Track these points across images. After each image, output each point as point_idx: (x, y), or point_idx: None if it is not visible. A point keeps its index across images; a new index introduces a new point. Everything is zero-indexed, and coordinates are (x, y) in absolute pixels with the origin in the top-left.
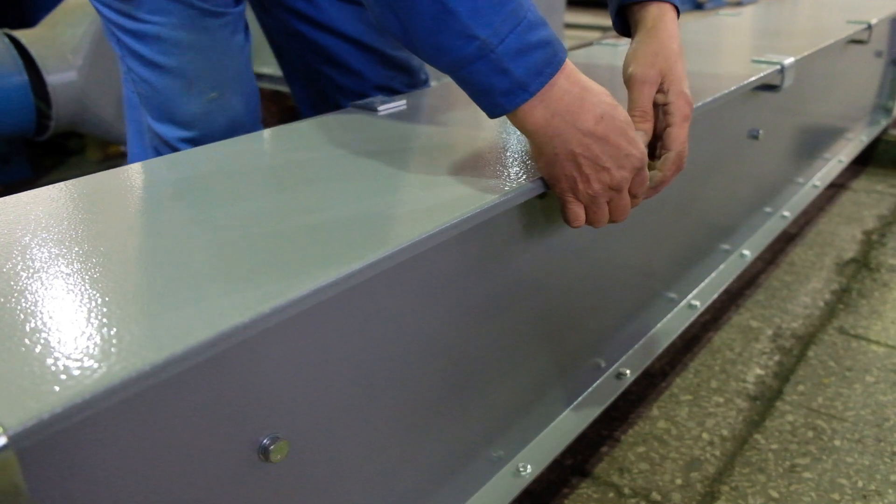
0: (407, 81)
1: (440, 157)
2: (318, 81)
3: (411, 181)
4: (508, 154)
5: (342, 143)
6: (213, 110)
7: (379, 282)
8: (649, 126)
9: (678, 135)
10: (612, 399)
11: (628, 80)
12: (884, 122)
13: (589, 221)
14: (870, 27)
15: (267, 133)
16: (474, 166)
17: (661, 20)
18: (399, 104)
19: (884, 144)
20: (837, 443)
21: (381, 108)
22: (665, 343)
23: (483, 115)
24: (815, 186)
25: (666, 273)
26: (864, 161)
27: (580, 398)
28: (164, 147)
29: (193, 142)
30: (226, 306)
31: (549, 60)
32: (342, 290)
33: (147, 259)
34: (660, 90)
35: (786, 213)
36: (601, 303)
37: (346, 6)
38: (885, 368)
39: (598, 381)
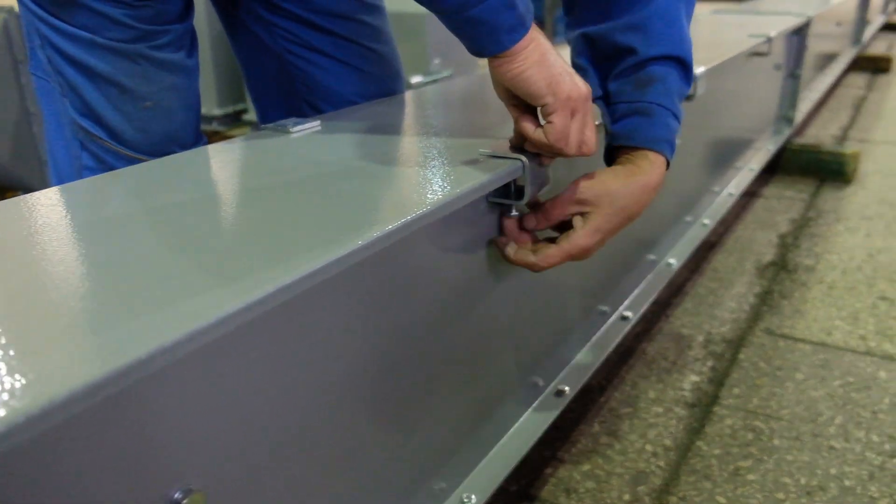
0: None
1: (353, 178)
2: (290, 102)
3: (322, 203)
4: (425, 173)
5: (249, 167)
6: (147, 118)
7: (293, 309)
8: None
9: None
10: (553, 418)
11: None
12: (787, 132)
13: (567, 135)
14: (769, 40)
15: (171, 159)
16: (389, 185)
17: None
18: (313, 125)
19: (788, 153)
20: (777, 442)
21: (294, 129)
22: (602, 357)
23: (398, 134)
24: (731, 194)
25: (597, 287)
26: (772, 169)
27: (520, 420)
28: (92, 142)
29: (124, 143)
30: (117, 340)
31: (528, 2)
32: (247, 319)
33: (34, 294)
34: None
35: (706, 221)
36: (535, 320)
37: (325, 35)
38: (813, 364)
39: (537, 401)
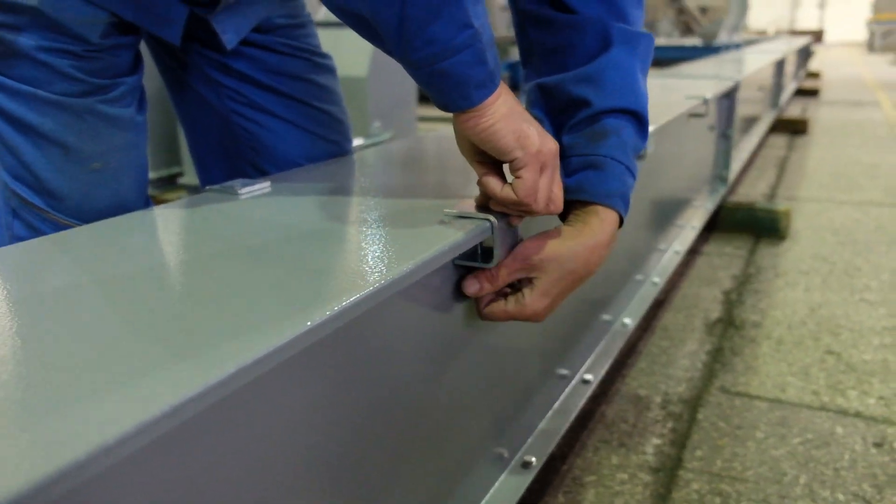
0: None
1: (312, 243)
2: (235, 164)
3: (265, 277)
4: (389, 236)
5: (197, 231)
6: (93, 182)
7: (254, 389)
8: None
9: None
10: (521, 492)
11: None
12: (722, 190)
13: (536, 190)
14: (706, 101)
15: (112, 222)
16: (352, 251)
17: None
18: (263, 186)
19: (725, 211)
20: None
21: (242, 191)
22: (566, 423)
23: (355, 195)
24: (676, 252)
25: (555, 349)
26: (709, 227)
27: (488, 496)
28: (25, 209)
29: (64, 210)
30: (51, 439)
31: (497, 58)
32: (206, 405)
33: None
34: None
35: (656, 280)
36: (498, 387)
37: (274, 96)
38: (771, 422)
39: (503, 475)
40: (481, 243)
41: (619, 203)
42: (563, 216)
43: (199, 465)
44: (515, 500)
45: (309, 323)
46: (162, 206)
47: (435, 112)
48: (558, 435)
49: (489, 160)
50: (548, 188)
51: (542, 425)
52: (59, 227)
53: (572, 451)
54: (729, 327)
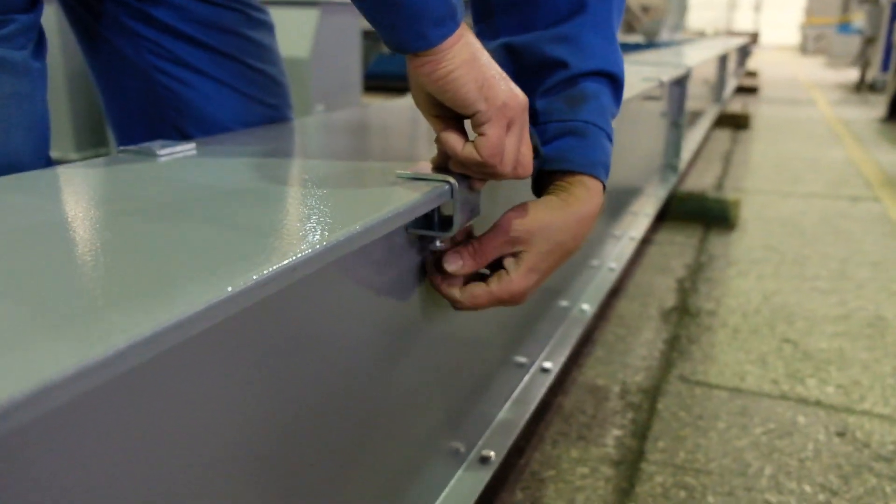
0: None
1: (240, 203)
2: (157, 128)
3: (182, 237)
4: (334, 197)
5: (105, 191)
6: None
7: (167, 362)
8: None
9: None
10: (480, 489)
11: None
12: (673, 179)
13: (502, 150)
14: (662, 84)
15: (6, 180)
16: (289, 212)
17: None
18: (187, 148)
19: (675, 200)
20: (711, 499)
21: (161, 152)
22: (525, 414)
23: (295, 158)
24: (632, 238)
25: (512, 336)
26: (660, 216)
27: (443, 495)
28: None
29: None
30: None
31: None
32: (105, 378)
33: None
34: None
35: (612, 266)
36: (452, 375)
37: (201, 50)
38: (732, 412)
39: (460, 470)
40: (439, 209)
41: (602, 172)
42: (540, 188)
43: (93, 449)
44: (474, 499)
45: (230, 289)
46: (64, 165)
47: (384, 95)
48: (518, 427)
49: (449, 114)
50: (515, 148)
51: (499, 416)
52: None
53: (529, 444)
54: (684, 315)
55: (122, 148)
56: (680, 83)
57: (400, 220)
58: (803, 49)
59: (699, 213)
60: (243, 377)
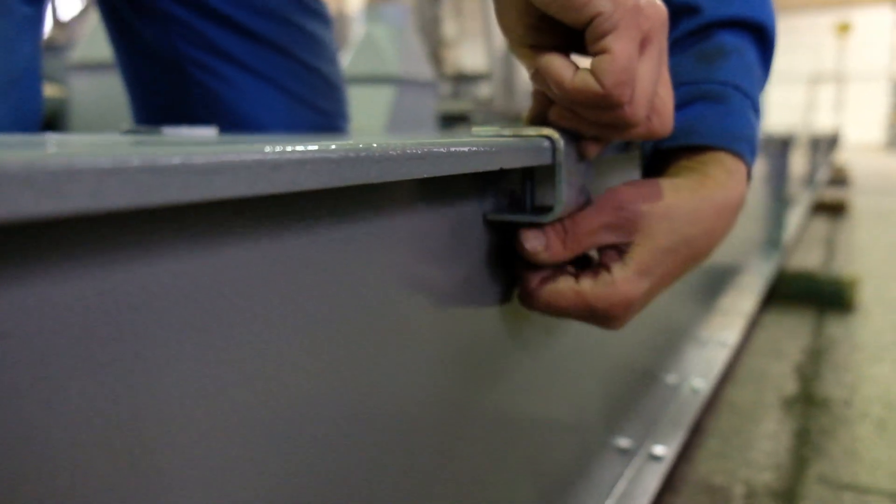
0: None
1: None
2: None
3: None
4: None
5: None
6: None
7: None
8: None
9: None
10: None
11: None
12: (776, 256)
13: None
14: (768, 138)
15: None
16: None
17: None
18: (206, 132)
19: (783, 279)
20: None
21: (168, 131)
22: None
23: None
24: (740, 314)
25: (608, 410)
26: (766, 296)
27: None
28: None
29: None
30: None
31: None
32: None
33: None
34: None
35: (724, 339)
36: (526, 462)
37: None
38: None
39: None
40: (533, 180)
41: (748, 150)
42: (658, 170)
43: None
44: None
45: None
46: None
47: None
48: None
49: (551, 42)
50: (652, 80)
51: None
52: None
53: None
54: (810, 405)
55: (126, 129)
56: (782, 149)
57: (488, 163)
58: (891, 144)
59: (811, 294)
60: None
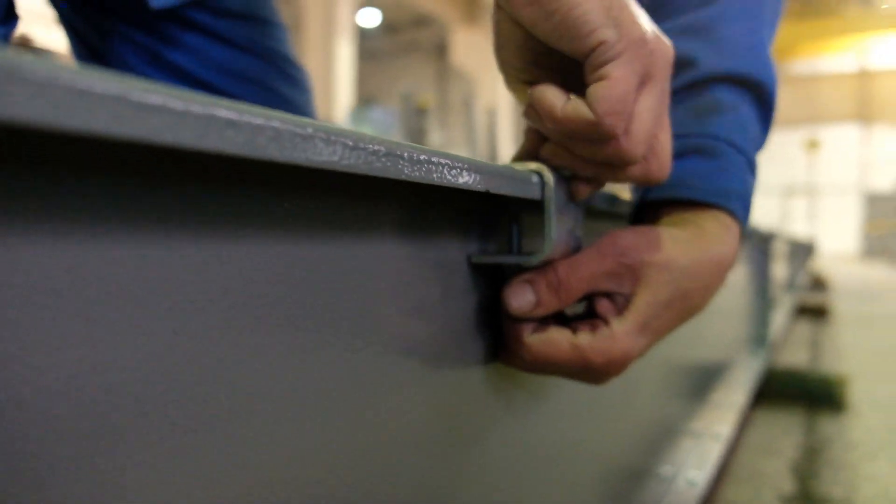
0: None
1: None
2: None
3: None
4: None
5: None
6: None
7: None
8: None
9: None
10: None
11: None
12: (763, 353)
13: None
14: (750, 232)
15: None
16: None
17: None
18: None
19: (772, 377)
20: None
21: None
22: None
23: None
24: (732, 407)
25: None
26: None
27: None
28: None
29: None
30: None
31: None
32: None
33: None
34: None
35: (721, 432)
36: None
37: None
38: None
39: None
40: (518, 219)
41: (741, 209)
42: (647, 218)
43: None
44: None
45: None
46: None
47: None
48: None
49: (548, 76)
50: (651, 117)
51: None
52: None
53: None
54: None
55: None
56: (763, 245)
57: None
58: (865, 254)
59: (802, 392)
60: None
